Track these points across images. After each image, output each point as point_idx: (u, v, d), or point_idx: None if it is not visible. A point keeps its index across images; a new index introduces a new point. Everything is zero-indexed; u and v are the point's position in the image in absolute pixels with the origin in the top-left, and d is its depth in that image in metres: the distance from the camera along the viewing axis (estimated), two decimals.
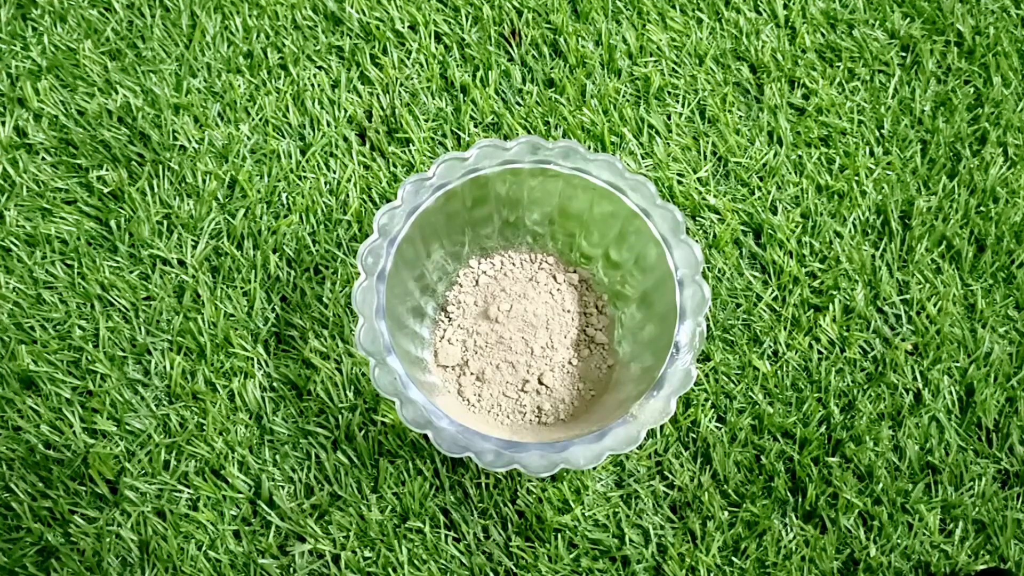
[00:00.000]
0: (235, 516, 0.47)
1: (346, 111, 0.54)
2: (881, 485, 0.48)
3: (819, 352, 0.50)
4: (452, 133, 0.54)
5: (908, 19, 0.57)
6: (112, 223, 0.51)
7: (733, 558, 0.47)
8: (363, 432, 0.48)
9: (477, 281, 0.49)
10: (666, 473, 0.48)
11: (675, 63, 0.55)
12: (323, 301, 0.50)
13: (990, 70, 0.56)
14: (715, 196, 0.53)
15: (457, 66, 0.55)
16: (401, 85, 0.55)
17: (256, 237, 0.51)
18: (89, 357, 0.49)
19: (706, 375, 0.49)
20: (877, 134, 0.55)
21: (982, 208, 0.53)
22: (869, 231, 0.53)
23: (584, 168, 0.42)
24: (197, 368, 0.48)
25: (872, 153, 0.54)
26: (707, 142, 0.54)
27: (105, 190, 0.52)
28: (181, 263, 0.51)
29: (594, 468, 0.46)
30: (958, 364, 0.50)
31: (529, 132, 0.54)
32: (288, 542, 0.46)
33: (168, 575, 0.45)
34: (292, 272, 0.50)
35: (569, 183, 0.43)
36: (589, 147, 0.53)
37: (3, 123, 0.53)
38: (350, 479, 0.47)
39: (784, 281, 0.51)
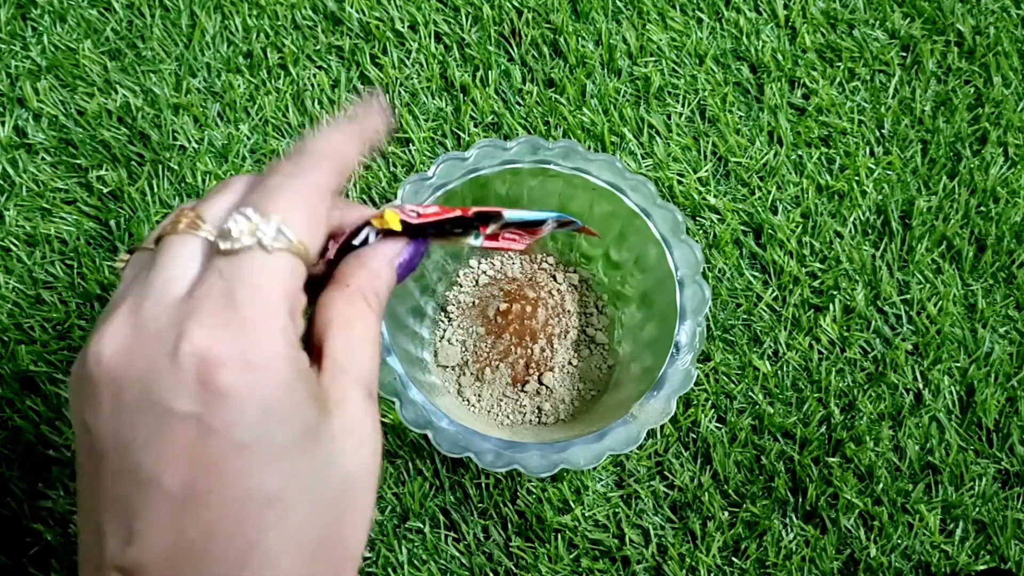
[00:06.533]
0: None
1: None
2: (881, 485, 0.48)
3: (819, 352, 0.50)
4: (452, 133, 0.54)
5: (908, 19, 0.57)
6: (112, 223, 0.51)
7: (733, 558, 0.47)
8: None
9: (477, 281, 0.49)
10: (666, 473, 0.48)
11: (675, 63, 0.55)
12: None
13: (990, 70, 0.56)
14: (715, 196, 0.53)
15: (457, 66, 0.55)
16: (401, 85, 0.54)
17: None
18: None
19: (706, 375, 0.49)
20: (877, 134, 0.55)
21: (982, 208, 0.53)
22: (869, 231, 0.53)
23: (584, 168, 0.42)
24: None
25: (872, 153, 0.54)
26: (707, 142, 0.54)
27: (105, 190, 0.52)
28: None
29: (594, 468, 0.46)
30: (958, 364, 0.50)
31: (529, 132, 0.54)
32: None
33: None
34: None
35: (569, 183, 0.43)
36: (589, 147, 0.53)
37: (3, 123, 0.53)
38: None
39: (784, 281, 0.51)
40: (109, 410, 0.21)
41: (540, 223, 0.29)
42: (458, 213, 0.26)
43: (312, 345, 0.23)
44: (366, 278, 0.24)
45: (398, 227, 0.25)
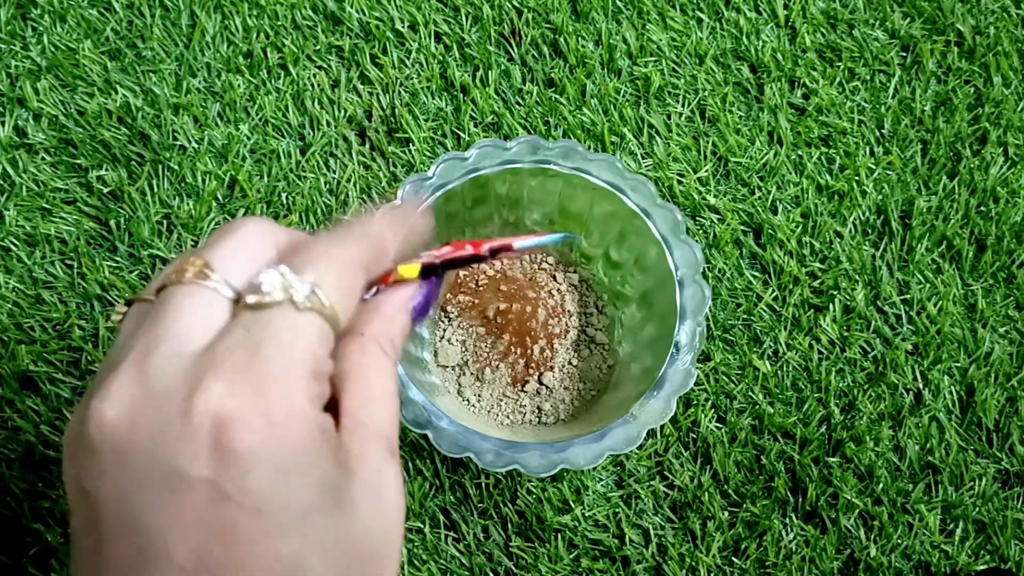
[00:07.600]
0: None
1: (346, 111, 0.54)
2: (881, 485, 0.48)
3: (819, 352, 0.50)
4: (452, 133, 0.54)
5: (908, 19, 0.57)
6: (112, 223, 0.51)
7: (733, 558, 0.47)
8: None
9: (477, 281, 0.49)
10: (666, 473, 0.48)
11: (675, 63, 0.55)
12: None
13: (990, 70, 0.56)
14: (715, 196, 0.53)
15: (457, 66, 0.55)
16: (401, 85, 0.54)
17: None
18: (89, 357, 0.48)
19: (706, 375, 0.49)
20: (877, 134, 0.55)
21: (982, 208, 0.53)
22: (869, 231, 0.53)
23: (584, 168, 0.42)
24: None
25: (872, 153, 0.54)
26: (707, 142, 0.54)
27: (105, 190, 0.52)
28: None
29: (594, 468, 0.46)
30: (958, 364, 0.50)
31: (529, 132, 0.54)
32: None
33: None
34: None
35: (569, 183, 0.43)
36: (589, 147, 0.53)
37: (3, 123, 0.53)
38: None
39: (784, 281, 0.51)
40: (112, 475, 0.19)
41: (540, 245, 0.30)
42: (471, 251, 0.27)
43: (329, 398, 0.22)
44: (380, 324, 0.24)
45: (414, 276, 0.25)
